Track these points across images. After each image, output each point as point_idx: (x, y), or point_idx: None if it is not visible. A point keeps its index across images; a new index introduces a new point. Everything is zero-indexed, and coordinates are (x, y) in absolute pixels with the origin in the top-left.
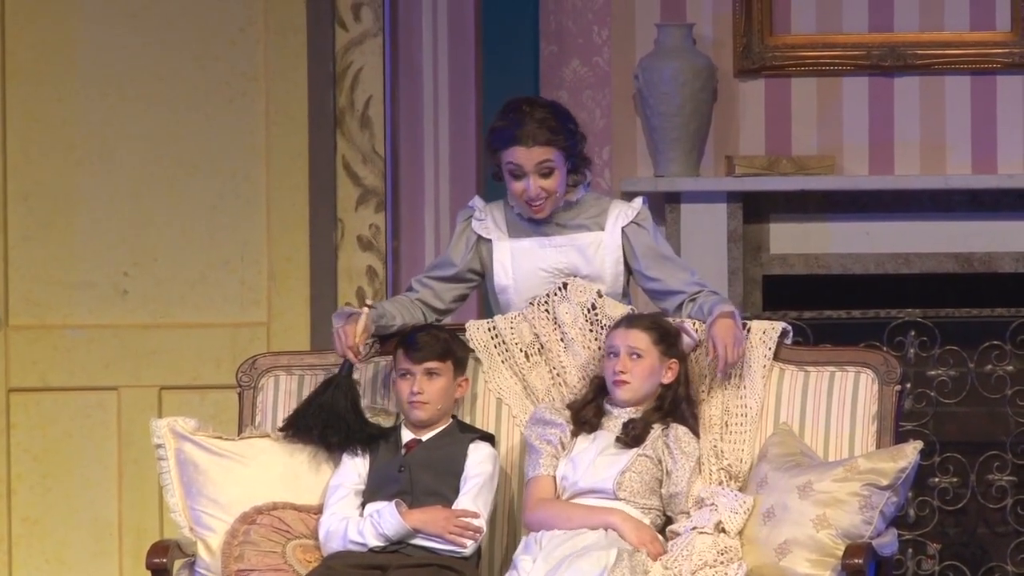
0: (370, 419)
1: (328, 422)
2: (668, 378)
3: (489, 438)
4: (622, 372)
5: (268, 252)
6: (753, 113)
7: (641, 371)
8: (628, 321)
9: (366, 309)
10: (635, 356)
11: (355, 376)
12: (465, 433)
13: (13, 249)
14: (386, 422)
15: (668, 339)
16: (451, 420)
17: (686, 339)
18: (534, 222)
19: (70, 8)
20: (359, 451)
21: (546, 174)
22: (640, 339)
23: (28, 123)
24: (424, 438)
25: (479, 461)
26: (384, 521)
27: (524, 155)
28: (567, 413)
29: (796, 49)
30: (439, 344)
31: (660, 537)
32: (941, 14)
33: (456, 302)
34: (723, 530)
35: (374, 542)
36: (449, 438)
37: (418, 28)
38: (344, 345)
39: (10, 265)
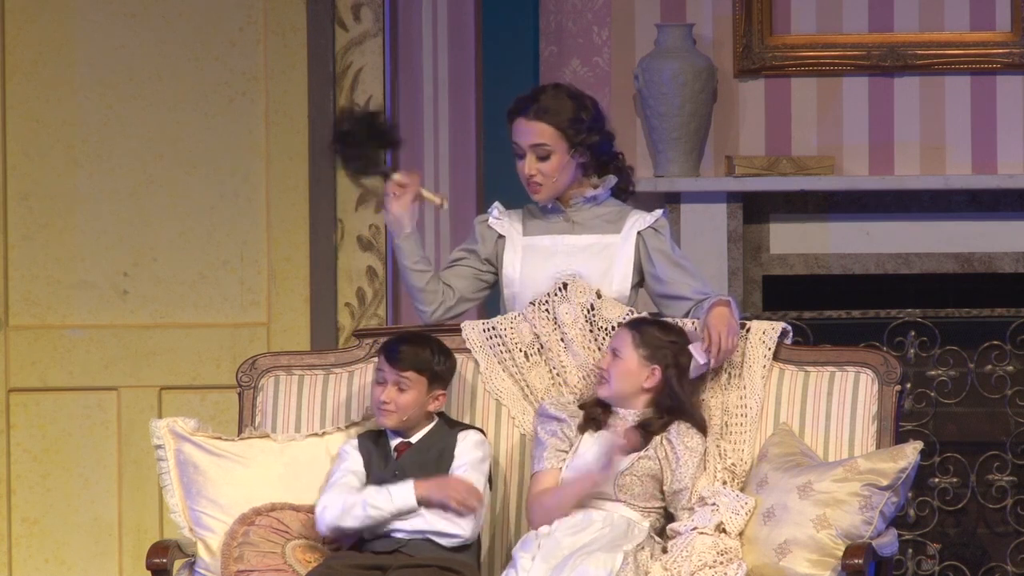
0: None
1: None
2: (649, 383)
3: (477, 429)
4: (600, 369)
5: (268, 252)
6: (753, 113)
7: (618, 371)
8: (627, 322)
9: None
10: (615, 355)
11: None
12: (453, 428)
13: (13, 249)
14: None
15: (653, 344)
16: (437, 419)
17: (693, 363)
18: (549, 222)
19: (70, 8)
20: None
21: (542, 157)
22: (623, 338)
23: (28, 123)
24: (413, 440)
25: (467, 449)
26: (395, 491)
27: (523, 129)
28: (573, 408)
29: (796, 49)
30: (418, 358)
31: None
32: (941, 14)
33: (472, 292)
34: (724, 531)
35: (388, 506)
36: (438, 436)
37: (418, 28)
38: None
39: (10, 265)
